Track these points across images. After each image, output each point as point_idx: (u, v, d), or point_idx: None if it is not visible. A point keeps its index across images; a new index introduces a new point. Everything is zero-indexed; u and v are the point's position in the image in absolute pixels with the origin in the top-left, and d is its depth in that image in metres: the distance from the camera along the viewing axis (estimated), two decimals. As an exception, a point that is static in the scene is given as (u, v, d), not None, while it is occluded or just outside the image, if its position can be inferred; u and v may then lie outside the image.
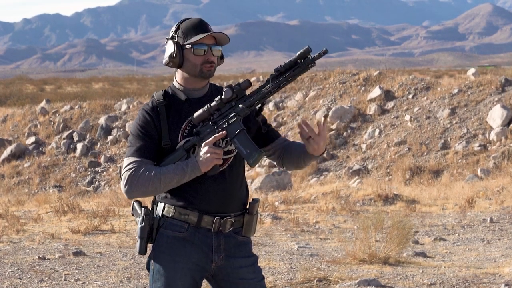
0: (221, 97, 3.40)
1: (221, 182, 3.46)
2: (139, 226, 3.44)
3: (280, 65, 3.37)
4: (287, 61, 3.36)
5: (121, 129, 25.52)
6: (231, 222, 3.49)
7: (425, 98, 22.77)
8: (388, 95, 23.51)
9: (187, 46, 3.44)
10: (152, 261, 3.49)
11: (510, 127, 19.78)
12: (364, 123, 22.78)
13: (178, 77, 3.53)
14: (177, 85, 3.53)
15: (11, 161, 25.16)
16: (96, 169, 24.08)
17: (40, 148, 25.71)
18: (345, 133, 22.48)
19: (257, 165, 21.29)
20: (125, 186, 3.37)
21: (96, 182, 23.39)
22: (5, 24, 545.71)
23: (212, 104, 3.40)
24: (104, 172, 23.85)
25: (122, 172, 3.41)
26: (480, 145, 19.65)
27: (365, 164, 20.70)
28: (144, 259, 8.64)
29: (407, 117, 21.98)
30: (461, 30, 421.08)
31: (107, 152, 24.68)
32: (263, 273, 3.63)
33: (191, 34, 3.45)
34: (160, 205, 3.49)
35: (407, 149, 20.65)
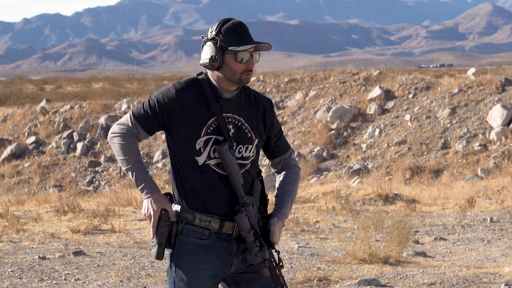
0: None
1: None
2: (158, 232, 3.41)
3: None
4: None
5: (121, 129, 25.53)
6: None
7: (425, 97, 22.76)
8: (388, 94, 23.50)
9: (230, 52, 3.40)
10: (173, 269, 3.44)
11: (510, 127, 19.77)
12: (364, 122, 22.77)
13: (211, 75, 3.48)
14: (212, 80, 3.48)
15: (11, 160, 25.15)
16: (96, 168, 24.08)
17: (40, 148, 25.71)
18: (345, 133, 22.48)
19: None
20: (112, 133, 3.48)
21: (96, 182, 23.39)
22: (5, 24, 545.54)
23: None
24: (104, 172, 23.85)
25: (120, 120, 3.49)
26: (480, 145, 19.65)
27: (365, 163, 20.69)
28: (144, 258, 8.65)
29: (407, 117, 21.98)
30: (461, 29, 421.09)
31: (107, 151, 24.68)
32: None
33: (235, 40, 3.39)
34: (177, 209, 3.45)
35: (407, 148, 20.65)
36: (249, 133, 3.48)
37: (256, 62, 3.46)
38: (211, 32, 3.44)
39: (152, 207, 3.38)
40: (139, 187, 3.41)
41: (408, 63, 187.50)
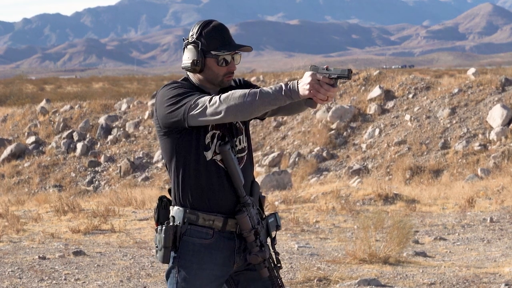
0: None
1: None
2: (163, 235, 3.38)
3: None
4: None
5: (121, 129, 25.52)
6: None
7: (425, 97, 22.76)
8: (388, 94, 23.50)
9: (211, 55, 3.40)
10: (176, 269, 3.42)
11: (510, 127, 19.78)
12: (364, 122, 22.77)
13: (193, 77, 3.50)
14: (195, 81, 3.49)
15: (11, 160, 25.15)
16: (96, 168, 24.08)
17: (40, 148, 25.71)
18: (345, 133, 22.47)
19: (257, 165, 21.33)
20: (218, 107, 3.20)
21: (96, 182, 23.39)
22: (5, 24, 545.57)
23: None
24: (104, 172, 23.85)
25: (204, 105, 3.24)
26: (480, 145, 19.65)
27: (365, 163, 20.69)
28: (144, 258, 8.64)
29: (407, 117, 21.98)
30: (461, 29, 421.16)
31: (107, 151, 24.68)
32: None
33: (216, 44, 3.40)
34: (179, 210, 3.43)
35: (407, 148, 20.64)
36: (237, 124, 3.51)
37: (237, 64, 3.47)
38: (192, 36, 3.44)
39: (305, 80, 3.19)
40: (282, 92, 3.17)
41: (408, 63, 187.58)
